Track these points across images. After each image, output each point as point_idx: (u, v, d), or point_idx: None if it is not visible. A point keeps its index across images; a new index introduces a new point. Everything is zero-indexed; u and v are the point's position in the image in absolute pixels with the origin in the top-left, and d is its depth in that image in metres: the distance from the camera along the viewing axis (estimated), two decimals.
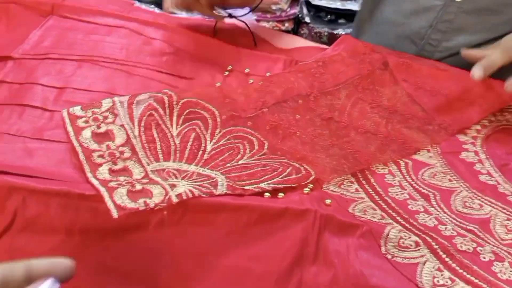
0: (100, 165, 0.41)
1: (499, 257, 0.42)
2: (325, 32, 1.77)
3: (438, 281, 0.40)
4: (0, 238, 0.38)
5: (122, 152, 0.43)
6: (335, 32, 1.72)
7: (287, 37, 0.77)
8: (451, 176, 0.51)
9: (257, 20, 1.75)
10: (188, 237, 0.40)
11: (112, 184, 0.40)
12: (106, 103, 0.46)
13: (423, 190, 0.49)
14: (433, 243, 0.43)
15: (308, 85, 0.57)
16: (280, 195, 0.44)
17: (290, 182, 0.45)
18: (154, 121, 0.46)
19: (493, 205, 0.48)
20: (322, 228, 0.42)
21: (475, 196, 0.49)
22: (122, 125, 0.45)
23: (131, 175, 0.41)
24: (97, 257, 0.39)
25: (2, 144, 0.41)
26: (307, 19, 1.77)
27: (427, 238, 0.43)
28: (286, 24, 1.80)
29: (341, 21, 1.77)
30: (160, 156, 0.44)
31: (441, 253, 0.42)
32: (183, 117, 0.47)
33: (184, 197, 0.39)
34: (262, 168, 0.46)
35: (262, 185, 0.44)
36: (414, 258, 0.42)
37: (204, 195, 0.40)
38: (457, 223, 0.46)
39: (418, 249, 0.42)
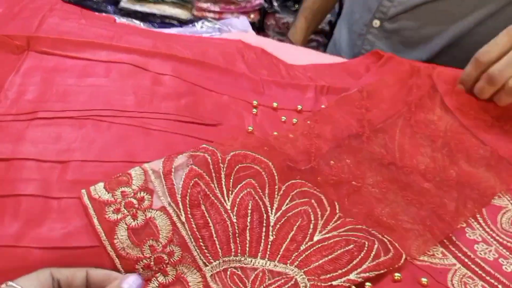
0: (146, 282, 0.31)
1: None
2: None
3: None
4: None
5: (171, 254, 0.33)
6: None
7: (293, 49, 0.68)
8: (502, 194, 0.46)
9: (220, 13, 1.64)
10: None
11: None
12: (137, 176, 0.35)
13: (509, 245, 0.42)
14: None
15: (357, 123, 0.48)
16: (368, 285, 0.35)
17: (382, 267, 0.36)
18: (201, 193, 0.36)
19: None
20: None
21: None
22: (163, 208, 0.34)
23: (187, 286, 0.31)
24: None
25: None
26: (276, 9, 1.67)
27: (492, 281, 0.38)
28: (252, 16, 1.70)
29: None
30: (218, 248, 0.34)
31: None
32: (232, 177, 0.37)
33: None
34: (346, 249, 0.36)
35: (352, 276, 0.35)
36: None
37: None
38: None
39: None
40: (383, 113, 0.50)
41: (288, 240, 0.36)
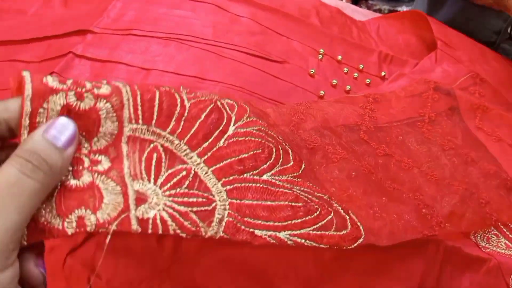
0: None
1: None
2: (386, 9, 1.67)
3: None
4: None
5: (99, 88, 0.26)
6: (398, 9, 1.61)
7: (371, 15, 0.70)
8: None
9: None
10: (290, 259, 0.35)
11: None
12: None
13: None
14: None
15: (358, 117, 0.44)
16: None
17: (326, 242, 0.30)
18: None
19: None
20: (444, 261, 0.36)
21: None
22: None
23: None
24: (187, 272, 0.34)
25: None
26: None
27: None
28: (344, 0, 1.71)
29: None
30: (155, 114, 0.28)
31: None
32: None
33: (150, 231, 0.25)
34: (292, 204, 0.30)
35: (282, 235, 0.29)
36: None
37: (181, 234, 0.26)
38: None
39: None
40: (388, 116, 0.46)
41: (235, 158, 0.29)
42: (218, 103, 0.31)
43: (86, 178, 0.25)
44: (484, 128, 0.49)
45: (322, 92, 0.48)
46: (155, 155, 0.27)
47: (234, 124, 0.31)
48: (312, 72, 0.49)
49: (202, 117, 0.29)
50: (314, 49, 0.53)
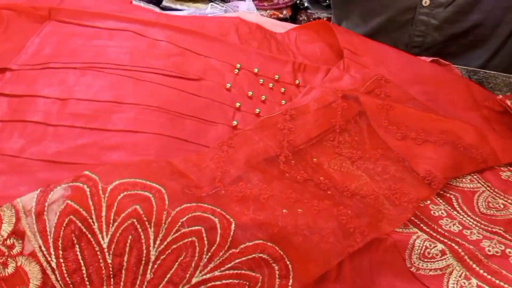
0: None
1: None
2: (324, 17, 1.74)
3: None
4: None
5: None
6: None
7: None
8: (472, 176, 0.49)
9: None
10: None
11: None
12: (8, 218, 0.34)
13: (444, 193, 0.47)
14: (460, 250, 0.41)
15: (277, 145, 0.47)
16: None
17: None
18: (76, 232, 0.34)
19: None
20: None
21: (498, 195, 0.47)
22: (33, 253, 0.34)
23: None
24: None
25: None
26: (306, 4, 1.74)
27: (453, 245, 0.41)
28: (284, 12, 1.77)
29: None
30: None
31: (468, 260, 0.40)
32: (114, 209, 0.35)
33: None
34: None
35: None
36: (440, 268, 0.40)
37: None
38: (482, 226, 0.44)
39: (444, 258, 0.40)
40: (306, 134, 0.49)
41: (164, 281, 0.34)
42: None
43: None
44: (389, 127, 0.52)
45: (238, 104, 0.51)
46: None
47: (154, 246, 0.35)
48: (228, 86, 0.53)
49: None
50: (231, 64, 0.56)
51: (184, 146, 0.45)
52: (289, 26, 0.75)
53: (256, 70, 0.56)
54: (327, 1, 1.73)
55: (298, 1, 1.72)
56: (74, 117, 0.43)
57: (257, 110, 0.52)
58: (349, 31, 0.65)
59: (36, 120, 0.42)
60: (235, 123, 0.50)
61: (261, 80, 0.55)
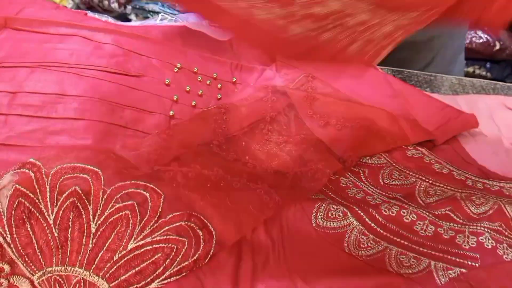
0: None
1: (421, 217, 0.46)
2: None
3: (363, 244, 0.44)
4: None
5: (1, 270, 0.39)
6: None
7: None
8: (381, 154, 0.55)
9: None
10: None
11: None
12: None
13: (354, 169, 0.53)
14: (360, 212, 0.47)
15: (211, 132, 0.53)
16: None
17: (185, 270, 0.41)
18: (26, 211, 0.40)
19: (416, 175, 0.52)
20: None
21: (401, 169, 0.54)
22: None
23: None
24: None
25: None
26: None
27: (354, 207, 0.47)
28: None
29: None
30: (42, 261, 0.39)
31: (367, 220, 0.46)
32: (57, 189, 0.41)
33: None
34: (152, 260, 0.40)
35: (154, 284, 0.40)
36: (341, 227, 0.46)
37: None
38: (383, 193, 0.50)
39: (346, 218, 0.46)
40: (239, 123, 0.55)
41: (104, 249, 0.40)
42: None
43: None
44: (314, 116, 0.59)
45: (176, 97, 0.57)
46: None
47: (94, 220, 0.41)
48: (167, 82, 0.59)
49: None
50: (171, 64, 0.62)
51: (122, 132, 0.51)
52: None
53: (195, 69, 0.63)
54: None
55: None
56: (23, 107, 0.49)
57: (194, 103, 0.58)
58: None
59: None
60: (172, 113, 0.56)
61: (200, 77, 0.62)
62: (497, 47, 1.40)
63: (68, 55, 0.57)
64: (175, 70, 0.61)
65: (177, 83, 0.60)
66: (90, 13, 0.76)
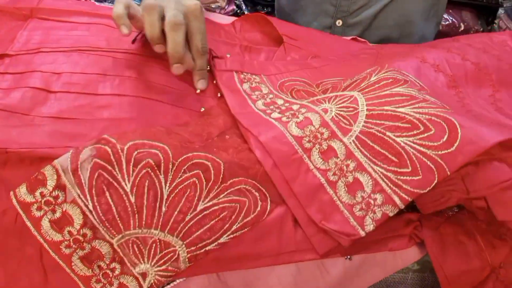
0: (70, 256, 0.44)
1: None
2: None
3: None
4: None
5: (85, 235, 0.44)
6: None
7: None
8: None
9: None
10: None
11: (94, 284, 0.44)
12: (50, 176, 0.44)
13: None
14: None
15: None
16: None
17: (249, 225, 0.47)
18: (105, 182, 0.44)
19: None
20: None
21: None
22: (74, 200, 0.44)
23: (101, 257, 0.45)
24: None
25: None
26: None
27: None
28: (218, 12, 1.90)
29: None
30: (121, 225, 0.44)
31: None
32: (132, 161, 0.44)
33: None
34: (219, 218, 0.46)
35: (222, 239, 0.46)
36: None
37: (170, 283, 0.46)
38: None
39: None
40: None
41: (177, 211, 0.45)
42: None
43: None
44: None
45: None
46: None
47: (166, 186, 0.46)
48: None
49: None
50: None
51: (162, 107, 0.57)
52: (232, 18, 0.88)
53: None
54: (265, 9, 1.89)
55: (238, 11, 1.87)
56: (69, 85, 0.53)
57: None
58: (281, 21, 0.79)
59: (39, 87, 0.53)
60: (198, 90, 0.62)
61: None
62: (462, 28, 1.52)
63: (99, 41, 0.61)
64: None
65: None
66: (96, 4, 0.80)
